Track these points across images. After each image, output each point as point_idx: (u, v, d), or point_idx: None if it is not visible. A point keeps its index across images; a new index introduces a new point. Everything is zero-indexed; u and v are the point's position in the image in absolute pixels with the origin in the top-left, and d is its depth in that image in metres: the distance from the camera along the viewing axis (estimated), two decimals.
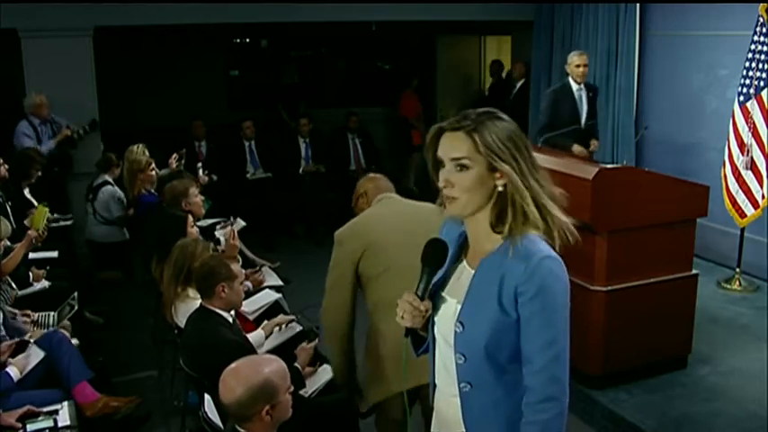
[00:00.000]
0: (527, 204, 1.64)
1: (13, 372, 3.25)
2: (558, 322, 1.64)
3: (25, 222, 4.86)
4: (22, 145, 5.87)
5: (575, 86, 5.69)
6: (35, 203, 5.24)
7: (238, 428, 2.14)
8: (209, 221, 5.05)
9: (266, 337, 3.59)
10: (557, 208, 1.68)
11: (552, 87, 6.25)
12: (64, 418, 3.04)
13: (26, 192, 5.44)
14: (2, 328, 3.56)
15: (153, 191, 5.34)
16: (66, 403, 3.15)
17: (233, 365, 2.19)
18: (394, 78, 10.04)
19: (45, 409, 3.08)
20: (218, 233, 4.75)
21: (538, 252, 1.63)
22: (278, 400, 2.13)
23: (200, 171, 6.00)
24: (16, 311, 3.94)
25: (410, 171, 9.41)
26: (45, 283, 4.40)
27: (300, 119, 7.63)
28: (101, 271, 5.94)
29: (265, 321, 3.78)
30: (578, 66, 5.63)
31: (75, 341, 3.65)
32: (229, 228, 4.68)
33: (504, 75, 9.16)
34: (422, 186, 9.41)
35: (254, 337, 3.52)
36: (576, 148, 5.51)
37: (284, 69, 9.34)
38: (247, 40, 9.80)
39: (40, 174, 5.49)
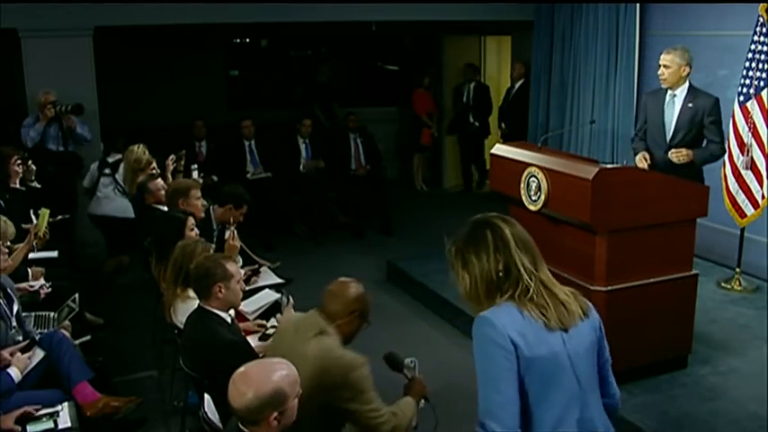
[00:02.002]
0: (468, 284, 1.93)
1: (14, 372, 3.24)
2: (479, 375, 1.86)
3: (24, 226, 4.84)
4: (25, 137, 5.93)
5: (669, 90, 4.65)
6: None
7: (242, 428, 2.12)
8: None
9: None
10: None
11: (647, 90, 5.41)
12: (65, 420, 3.03)
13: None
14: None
15: None
16: (66, 404, 3.14)
17: (243, 369, 2.12)
18: (399, 78, 10.03)
19: (44, 411, 3.06)
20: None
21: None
22: (287, 406, 2.09)
23: (196, 173, 5.99)
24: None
25: (417, 170, 9.40)
26: (45, 283, 4.39)
27: (304, 119, 7.65)
28: (110, 257, 5.95)
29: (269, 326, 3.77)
30: (658, 66, 4.63)
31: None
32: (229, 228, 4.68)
33: (481, 78, 9.12)
34: (430, 185, 9.44)
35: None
36: (639, 156, 4.64)
37: (320, 69, 9.19)
38: (247, 40, 9.81)
39: (20, 167, 5.40)
